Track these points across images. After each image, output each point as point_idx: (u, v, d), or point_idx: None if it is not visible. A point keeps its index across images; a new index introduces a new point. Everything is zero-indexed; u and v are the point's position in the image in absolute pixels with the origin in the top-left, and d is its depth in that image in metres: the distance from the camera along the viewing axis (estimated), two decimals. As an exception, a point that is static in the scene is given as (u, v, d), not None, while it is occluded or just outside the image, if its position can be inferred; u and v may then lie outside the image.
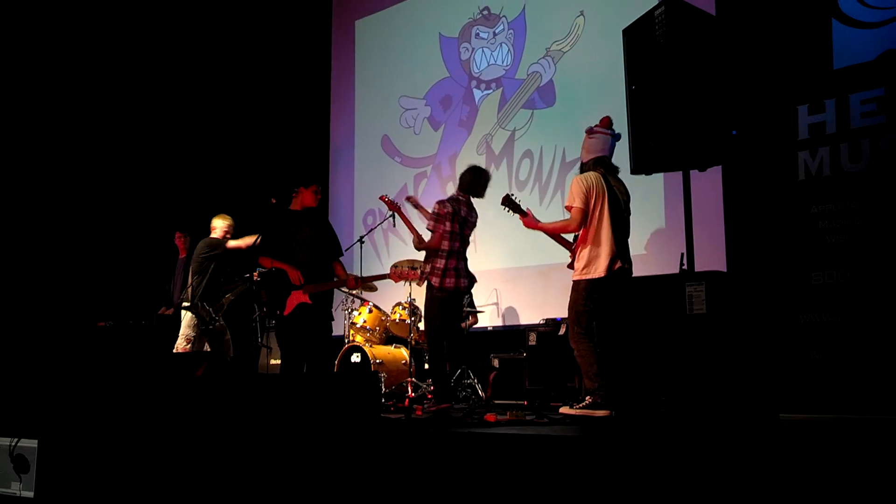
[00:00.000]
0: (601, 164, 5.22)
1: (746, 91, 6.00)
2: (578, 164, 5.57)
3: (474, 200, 6.24)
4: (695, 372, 3.58)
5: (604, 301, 4.96)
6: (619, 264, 5.01)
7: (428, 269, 6.04)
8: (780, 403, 4.37)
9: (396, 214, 6.75)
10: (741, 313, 3.78)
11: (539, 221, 5.48)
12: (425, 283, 6.07)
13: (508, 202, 5.66)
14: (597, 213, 5.07)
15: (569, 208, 5.12)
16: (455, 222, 6.01)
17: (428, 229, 6.07)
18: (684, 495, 2.72)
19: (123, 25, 9.98)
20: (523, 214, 5.55)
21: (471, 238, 6.22)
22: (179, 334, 7.24)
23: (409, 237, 6.32)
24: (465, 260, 6.15)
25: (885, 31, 5.57)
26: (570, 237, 5.56)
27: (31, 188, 9.13)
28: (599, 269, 4.98)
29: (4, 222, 7.84)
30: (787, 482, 2.60)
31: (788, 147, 5.82)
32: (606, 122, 5.31)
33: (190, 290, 7.31)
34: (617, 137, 5.31)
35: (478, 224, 6.34)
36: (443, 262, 5.98)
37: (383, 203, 6.86)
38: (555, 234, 5.56)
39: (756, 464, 2.67)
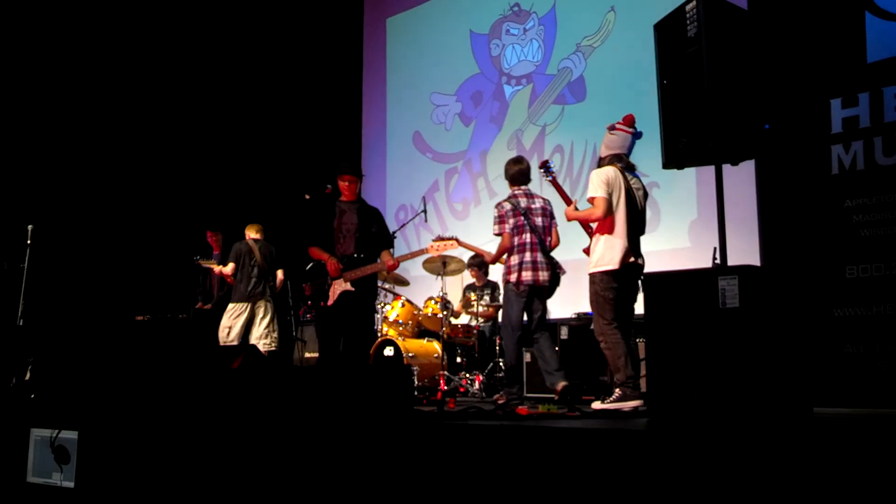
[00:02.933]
0: (619, 161, 5.26)
1: (779, 85, 5.96)
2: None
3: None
4: (727, 366, 3.58)
5: (619, 292, 5.04)
6: (631, 259, 5.13)
7: (503, 269, 6.05)
8: (813, 397, 4.35)
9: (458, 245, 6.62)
10: (774, 307, 3.78)
11: (574, 212, 5.50)
12: (503, 284, 6.09)
13: (544, 168, 5.73)
14: (614, 207, 5.13)
15: (591, 200, 5.16)
16: (517, 215, 5.99)
17: (494, 235, 6.07)
18: (716, 489, 2.73)
19: (162, 24, 10.11)
20: (569, 201, 5.58)
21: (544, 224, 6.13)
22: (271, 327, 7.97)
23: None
24: (547, 252, 6.05)
25: (921, 23, 5.51)
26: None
27: (72, 188, 9.28)
28: (614, 262, 5.06)
29: (47, 221, 7.98)
30: (820, 477, 2.61)
31: (821, 141, 5.77)
32: (630, 121, 5.36)
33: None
34: (638, 136, 5.35)
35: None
36: (517, 257, 5.95)
37: (421, 202, 6.77)
38: (584, 223, 5.62)
39: (790, 458, 2.67)
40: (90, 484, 4.42)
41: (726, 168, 4.49)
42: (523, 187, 6.16)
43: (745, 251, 6.89)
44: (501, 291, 6.36)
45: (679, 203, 7.91)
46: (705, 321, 3.71)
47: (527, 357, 7.90)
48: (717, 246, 4.40)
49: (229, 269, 7.89)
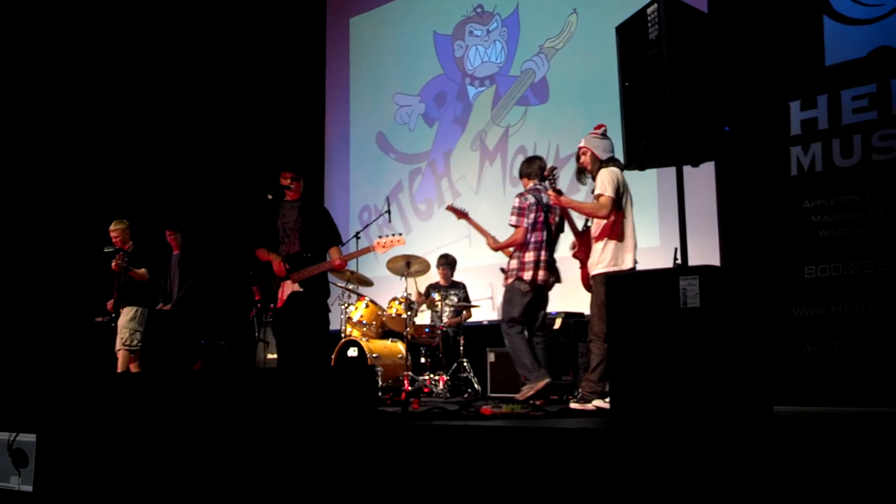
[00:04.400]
0: (616, 164, 5.28)
1: (739, 87, 6.04)
2: (574, 160, 5.61)
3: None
4: (689, 365, 3.61)
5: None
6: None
7: (514, 264, 5.86)
8: (773, 396, 4.40)
9: (465, 220, 6.56)
10: (735, 307, 3.82)
11: (572, 200, 5.48)
12: (511, 280, 5.88)
13: (551, 175, 5.72)
14: (622, 208, 5.16)
15: (598, 197, 5.15)
16: (538, 211, 5.86)
17: (511, 225, 5.89)
18: (678, 487, 2.76)
19: (122, 22, 9.98)
20: (558, 193, 5.54)
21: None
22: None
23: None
24: (553, 252, 5.97)
25: (876, 27, 5.61)
26: (579, 226, 5.64)
27: (28, 186, 9.13)
28: (629, 262, 5.10)
29: (3, 221, 7.85)
30: (780, 475, 2.64)
31: (781, 143, 5.87)
32: (605, 129, 5.41)
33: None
34: None
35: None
36: (533, 254, 5.81)
37: (382, 201, 6.73)
38: (570, 215, 5.62)
39: (750, 457, 2.70)
40: (49, 488, 4.36)
41: (687, 169, 4.52)
42: (542, 184, 6.00)
43: (706, 251, 6.96)
44: (503, 289, 6.00)
45: (641, 203, 7.96)
46: (667, 321, 3.74)
47: (490, 357, 7.92)
48: (678, 246, 4.44)
49: (144, 272, 7.90)
